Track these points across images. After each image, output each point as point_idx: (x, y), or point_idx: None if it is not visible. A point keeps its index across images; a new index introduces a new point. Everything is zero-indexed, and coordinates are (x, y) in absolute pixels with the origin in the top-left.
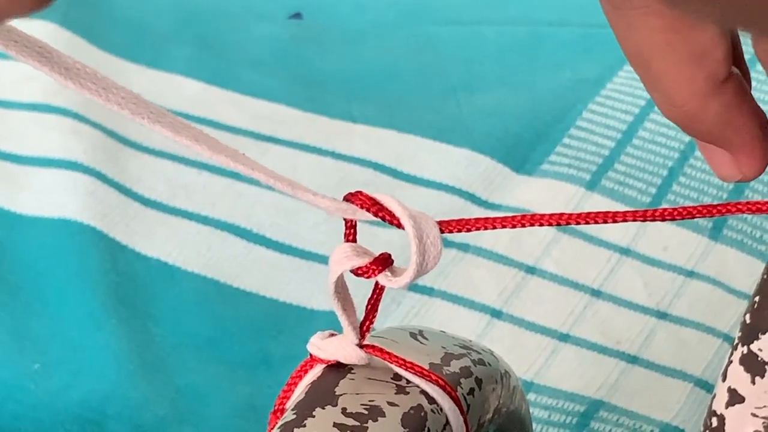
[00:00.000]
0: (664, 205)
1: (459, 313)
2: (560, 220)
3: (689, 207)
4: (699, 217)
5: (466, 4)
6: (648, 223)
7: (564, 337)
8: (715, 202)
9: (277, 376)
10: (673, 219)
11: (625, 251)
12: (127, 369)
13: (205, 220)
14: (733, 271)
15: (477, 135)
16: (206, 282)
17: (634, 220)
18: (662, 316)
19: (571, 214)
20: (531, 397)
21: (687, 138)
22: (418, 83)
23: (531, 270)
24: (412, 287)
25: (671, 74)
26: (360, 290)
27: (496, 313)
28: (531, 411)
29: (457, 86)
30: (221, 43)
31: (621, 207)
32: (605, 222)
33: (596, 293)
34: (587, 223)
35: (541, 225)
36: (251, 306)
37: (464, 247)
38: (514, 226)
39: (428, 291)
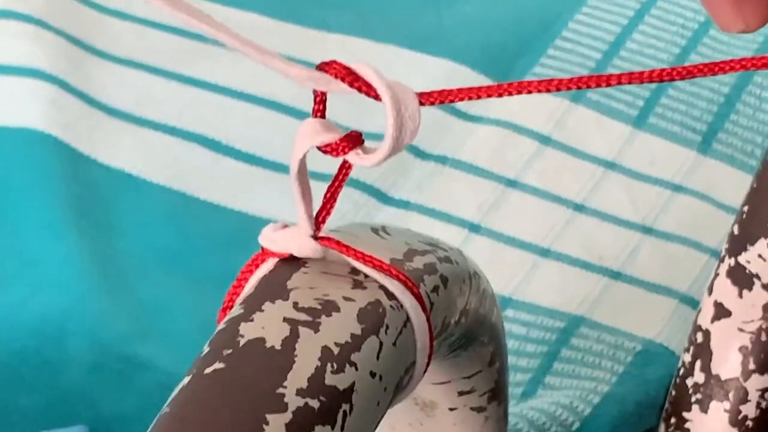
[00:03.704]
0: (652, 119)
1: (436, 228)
2: (549, 87)
3: (689, 66)
4: (700, 75)
5: None
6: (635, 137)
7: (545, 252)
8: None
9: None
10: (683, 78)
11: (611, 165)
12: (88, 283)
13: (172, 131)
14: (722, 185)
15: (458, 45)
16: (172, 194)
17: (641, 82)
18: (648, 231)
19: (571, 79)
20: (509, 313)
21: (676, 50)
22: None
23: (512, 183)
24: (387, 201)
25: None
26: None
27: (474, 228)
28: (509, 328)
29: None
30: None
31: (607, 120)
32: (609, 84)
33: (579, 207)
34: (588, 86)
35: (529, 92)
36: (219, 219)
37: (442, 160)
38: (500, 95)
39: (404, 204)
